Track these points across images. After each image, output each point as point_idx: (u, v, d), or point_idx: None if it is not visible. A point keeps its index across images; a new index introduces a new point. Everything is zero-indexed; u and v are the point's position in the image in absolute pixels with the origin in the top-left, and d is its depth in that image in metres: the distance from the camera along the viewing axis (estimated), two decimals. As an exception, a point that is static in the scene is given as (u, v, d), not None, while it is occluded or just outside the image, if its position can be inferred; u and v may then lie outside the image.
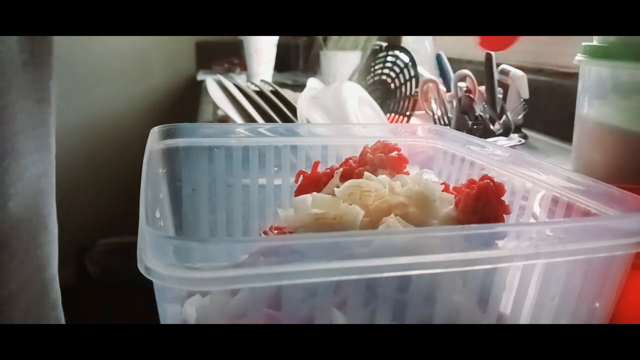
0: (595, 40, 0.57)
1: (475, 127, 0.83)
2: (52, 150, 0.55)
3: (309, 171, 0.41)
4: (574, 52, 0.60)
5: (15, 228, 0.48)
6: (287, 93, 0.91)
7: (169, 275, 0.22)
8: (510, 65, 0.93)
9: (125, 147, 1.92)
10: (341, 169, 0.40)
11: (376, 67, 1.03)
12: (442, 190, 0.35)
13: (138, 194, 0.28)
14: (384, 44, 1.05)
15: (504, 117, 0.85)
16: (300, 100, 0.75)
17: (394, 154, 0.40)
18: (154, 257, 0.22)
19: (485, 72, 0.88)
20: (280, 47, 1.49)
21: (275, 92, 0.90)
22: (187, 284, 0.23)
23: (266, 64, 1.45)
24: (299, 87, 1.17)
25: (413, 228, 0.31)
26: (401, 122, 0.96)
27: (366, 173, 0.37)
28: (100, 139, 1.97)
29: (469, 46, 1.20)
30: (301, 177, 0.40)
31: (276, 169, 0.46)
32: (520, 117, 0.90)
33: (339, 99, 0.70)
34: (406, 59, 0.98)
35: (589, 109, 0.59)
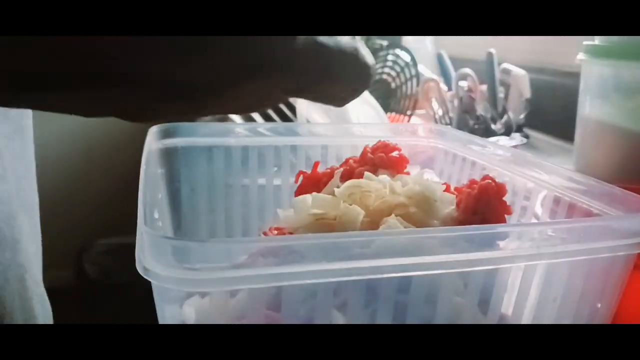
0: (597, 40, 0.57)
1: (476, 126, 0.83)
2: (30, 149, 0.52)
3: (309, 171, 0.40)
4: (575, 51, 0.59)
5: None
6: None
7: (167, 275, 0.22)
8: (512, 64, 0.93)
9: (123, 146, 1.92)
10: (341, 169, 0.39)
11: (376, 66, 1.02)
12: (443, 191, 0.35)
13: (136, 194, 0.28)
14: (385, 43, 1.05)
15: (505, 117, 0.85)
16: (300, 100, 0.75)
17: (395, 153, 0.40)
18: (153, 257, 0.22)
19: (486, 71, 0.88)
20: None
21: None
22: (185, 285, 0.22)
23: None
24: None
25: (414, 228, 0.31)
26: (402, 121, 0.96)
27: (366, 173, 0.36)
28: (98, 138, 1.96)
29: (470, 45, 1.19)
30: (301, 177, 0.40)
31: (276, 169, 0.46)
32: (521, 116, 0.90)
33: (339, 98, 0.70)
34: (407, 58, 0.98)
35: (591, 109, 0.59)
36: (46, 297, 0.56)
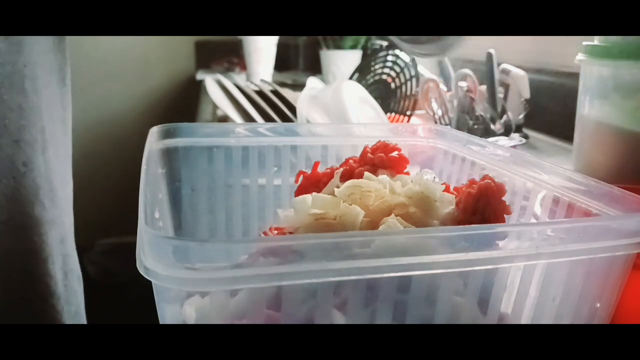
0: (597, 40, 0.57)
1: (475, 126, 0.83)
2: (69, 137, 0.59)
3: (309, 171, 0.41)
4: (575, 52, 0.60)
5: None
6: (287, 93, 0.91)
7: (168, 275, 0.22)
8: (511, 64, 0.93)
9: (124, 146, 1.92)
10: (341, 169, 0.39)
11: (376, 67, 1.02)
12: (443, 191, 0.35)
13: (137, 194, 0.28)
14: (384, 43, 1.05)
15: (504, 117, 0.85)
16: (300, 100, 0.75)
17: (395, 154, 0.40)
18: (153, 257, 0.22)
19: (486, 71, 0.88)
20: (280, 47, 1.49)
21: (275, 92, 0.90)
22: (186, 285, 0.22)
23: (266, 63, 1.45)
24: (299, 86, 1.17)
25: (413, 228, 0.31)
26: (402, 121, 0.96)
27: (366, 173, 0.37)
28: (99, 138, 1.96)
29: (469, 45, 1.19)
30: (301, 177, 0.40)
31: (276, 169, 0.46)
32: (521, 116, 0.90)
33: (339, 98, 0.70)
34: (407, 58, 0.98)
35: (590, 109, 0.59)
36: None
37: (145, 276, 0.22)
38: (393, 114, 0.97)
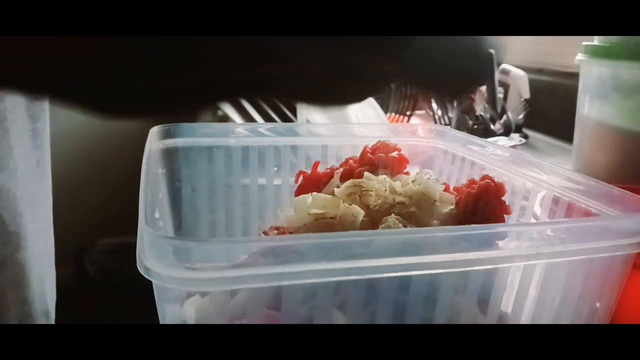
0: (596, 40, 0.57)
1: (475, 126, 0.83)
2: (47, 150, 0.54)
3: (309, 171, 0.41)
4: (574, 52, 0.60)
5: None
6: (287, 93, 0.91)
7: (168, 275, 0.22)
8: (511, 64, 0.93)
9: (124, 146, 1.92)
10: (341, 169, 0.39)
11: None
12: (443, 190, 0.35)
13: (137, 194, 0.28)
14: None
15: (504, 117, 0.85)
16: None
17: (395, 153, 0.40)
18: (153, 257, 0.22)
19: (485, 71, 0.88)
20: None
21: (275, 92, 0.90)
22: (186, 285, 0.22)
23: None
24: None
25: (413, 228, 0.31)
26: (401, 121, 0.96)
27: (366, 173, 0.37)
28: (99, 138, 1.96)
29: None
30: (301, 177, 0.40)
31: (276, 169, 0.46)
32: (520, 116, 0.90)
33: (339, 98, 0.70)
34: (406, 58, 0.98)
35: (590, 109, 0.59)
36: (52, 296, 0.56)
37: (145, 276, 0.22)
38: (393, 114, 0.97)
